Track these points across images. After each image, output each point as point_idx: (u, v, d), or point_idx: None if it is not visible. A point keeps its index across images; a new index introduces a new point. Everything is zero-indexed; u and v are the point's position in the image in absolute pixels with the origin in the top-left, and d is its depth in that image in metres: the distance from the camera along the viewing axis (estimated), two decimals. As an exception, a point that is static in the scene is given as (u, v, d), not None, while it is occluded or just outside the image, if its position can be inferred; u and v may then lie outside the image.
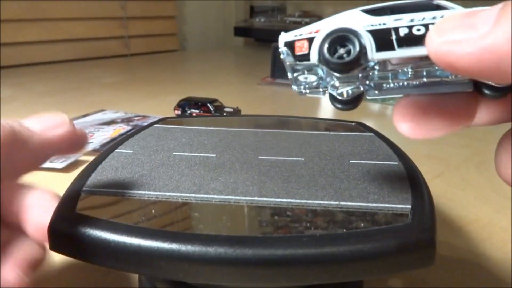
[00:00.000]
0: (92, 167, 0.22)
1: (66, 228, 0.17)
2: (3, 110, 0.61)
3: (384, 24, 0.15)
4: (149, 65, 1.21)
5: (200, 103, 0.59)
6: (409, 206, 0.18)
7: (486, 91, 0.16)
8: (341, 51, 0.15)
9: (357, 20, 0.15)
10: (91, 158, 0.23)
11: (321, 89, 0.17)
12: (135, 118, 0.60)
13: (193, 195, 0.19)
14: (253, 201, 0.19)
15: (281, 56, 0.16)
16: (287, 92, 0.84)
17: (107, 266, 0.17)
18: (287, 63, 0.16)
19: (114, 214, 0.18)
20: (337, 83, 0.17)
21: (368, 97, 0.17)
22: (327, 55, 0.15)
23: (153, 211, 0.19)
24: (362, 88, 0.17)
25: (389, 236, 0.16)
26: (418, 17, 0.15)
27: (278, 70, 0.84)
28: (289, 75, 0.17)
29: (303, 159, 0.23)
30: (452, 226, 0.32)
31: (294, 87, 0.17)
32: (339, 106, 0.18)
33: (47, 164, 0.37)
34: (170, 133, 0.28)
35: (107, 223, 0.17)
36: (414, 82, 0.17)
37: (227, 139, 0.27)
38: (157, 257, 0.16)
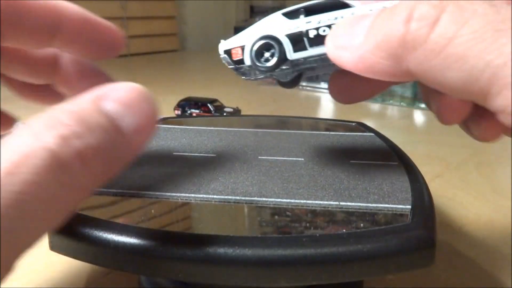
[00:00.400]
0: (92, 167, 0.22)
1: (66, 228, 0.17)
2: (3, 110, 0.61)
3: (297, 27, 0.18)
4: (149, 65, 1.21)
5: (200, 103, 0.59)
6: (409, 206, 0.18)
7: None
8: (267, 54, 0.19)
9: (278, 25, 0.19)
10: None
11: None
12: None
13: (193, 195, 0.19)
14: (253, 201, 0.19)
15: (223, 61, 0.19)
16: (287, 92, 0.84)
17: (107, 267, 0.17)
18: (229, 67, 0.19)
19: (114, 214, 0.18)
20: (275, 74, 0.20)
21: (305, 76, 0.21)
22: (255, 61, 0.19)
23: (153, 211, 0.19)
24: (296, 74, 0.20)
25: (389, 236, 0.16)
26: (324, 19, 0.18)
27: (278, 70, 0.84)
28: (243, 77, 0.20)
29: (303, 159, 0.23)
30: (452, 226, 0.32)
31: (242, 77, 0.20)
32: (284, 85, 0.21)
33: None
34: (170, 133, 0.28)
35: (107, 223, 0.17)
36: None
37: (227, 139, 0.27)
38: (157, 258, 0.16)
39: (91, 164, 0.13)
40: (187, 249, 0.16)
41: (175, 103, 0.60)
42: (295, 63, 0.19)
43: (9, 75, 0.21)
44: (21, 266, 0.25)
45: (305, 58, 0.19)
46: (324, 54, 0.18)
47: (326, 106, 0.74)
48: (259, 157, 0.24)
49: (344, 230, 0.17)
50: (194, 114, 0.59)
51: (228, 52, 0.19)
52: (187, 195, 0.20)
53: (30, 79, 0.20)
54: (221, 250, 0.15)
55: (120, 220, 0.17)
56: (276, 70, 0.19)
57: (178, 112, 0.60)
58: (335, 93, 0.22)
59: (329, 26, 0.18)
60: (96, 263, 0.17)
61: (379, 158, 0.24)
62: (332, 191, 0.20)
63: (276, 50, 0.18)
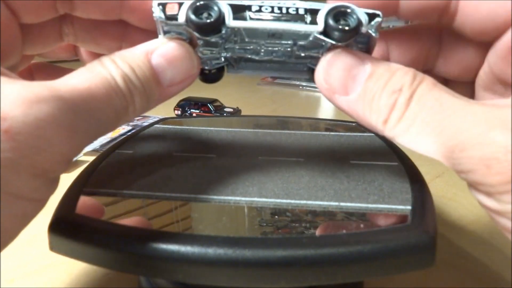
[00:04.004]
0: (92, 167, 0.22)
1: (66, 228, 0.17)
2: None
3: (241, 1, 0.19)
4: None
5: (200, 103, 0.59)
6: (409, 207, 0.18)
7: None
8: (204, 15, 0.18)
9: None
10: (91, 158, 0.23)
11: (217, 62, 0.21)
12: (135, 119, 0.60)
13: (192, 195, 0.19)
14: (253, 202, 0.19)
15: (153, 15, 0.18)
16: (287, 92, 0.84)
17: (107, 267, 0.17)
18: (158, 21, 0.19)
19: (114, 214, 0.18)
20: (204, 51, 0.20)
21: (228, 73, 0.22)
22: (192, 16, 0.18)
23: (153, 211, 0.19)
24: (223, 61, 0.21)
25: (389, 237, 0.16)
26: (268, 1, 0.19)
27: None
28: (160, 36, 0.19)
29: (303, 159, 0.23)
30: (452, 226, 0.32)
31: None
32: (205, 80, 0.22)
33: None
34: (170, 134, 0.28)
35: (107, 223, 0.17)
36: (266, 65, 0.22)
37: (227, 139, 0.27)
38: (156, 258, 0.16)
39: (134, 98, 0.17)
40: (187, 250, 0.16)
41: (175, 103, 0.60)
42: (228, 47, 0.20)
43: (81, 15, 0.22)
44: (21, 266, 0.25)
45: (242, 32, 0.19)
46: (262, 31, 0.19)
47: (326, 106, 0.74)
48: (259, 157, 0.24)
49: (344, 231, 0.17)
50: (194, 114, 0.59)
51: (163, 5, 0.18)
52: (187, 195, 0.20)
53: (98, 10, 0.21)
54: (221, 251, 0.15)
55: (119, 221, 0.17)
56: (209, 37, 0.19)
57: (178, 112, 0.60)
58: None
59: (272, 7, 0.19)
60: (96, 264, 0.17)
61: (379, 158, 0.24)
62: (332, 192, 0.20)
63: (215, 12, 0.18)
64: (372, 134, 0.28)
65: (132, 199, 0.19)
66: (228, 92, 0.82)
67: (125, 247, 0.16)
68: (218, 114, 0.58)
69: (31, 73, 0.24)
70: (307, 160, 0.23)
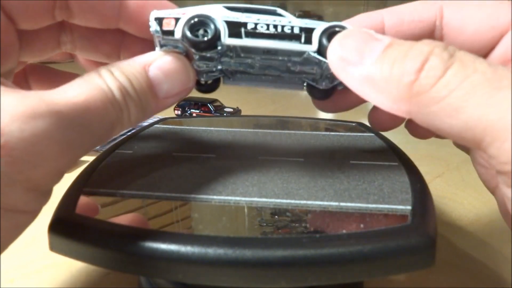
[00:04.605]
0: (92, 167, 0.22)
1: (66, 228, 0.17)
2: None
3: (237, 18, 0.19)
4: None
5: (200, 103, 0.59)
6: (409, 207, 0.18)
7: (314, 94, 0.23)
8: (201, 31, 0.19)
9: (217, 11, 0.19)
10: (91, 158, 0.23)
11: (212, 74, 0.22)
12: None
13: (192, 195, 0.19)
14: (253, 202, 0.19)
15: (150, 29, 0.19)
16: (287, 92, 0.84)
17: (107, 267, 0.17)
18: (155, 36, 0.19)
19: (114, 214, 0.18)
20: (200, 64, 0.20)
21: (224, 84, 0.23)
22: (188, 34, 0.18)
23: (152, 211, 0.19)
24: (219, 73, 0.22)
25: (389, 237, 0.16)
26: (263, 18, 0.19)
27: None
28: (156, 48, 0.20)
29: (303, 159, 0.23)
30: (452, 226, 0.32)
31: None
32: (201, 90, 0.22)
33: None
34: (170, 134, 0.28)
35: (107, 223, 0.17)
36: (262, 77, 0.22)
37: (227, 139, 0.27)
38: (156, 258, 0.16)
39: (130, 109, 0.17)
40: (187, 250, 0.16)
41: (175, 103, 0.60)
42: (224, 61, 0.20)
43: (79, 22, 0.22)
44: (21, 266, 0.25)
45: (237, 48, 0.19)
46: (257, 48, 0.19)
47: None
48: (259, 157, 0.24)
49: (344, 231, 0.17)
50: (194, 114, 0.59)
51: (160, 20, 0.19)
52: (187, 195, 0.19)
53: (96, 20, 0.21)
54: (221, 251, 0.15)
55: (119, 221, 0.17)
56: (205, 53, 0.19)
57: (178, 112, 0.60)
58: (317, 103, 0.24)
59: (267, 25, 0.19)
60: (96, 264, 0.17)
61: (379, 158, 0.24)
62: (332, 192, 0.20)
63: (211, 29, 0.18)
64: (372, 134, 0.28)
65: (132, 199, 0.19)
66: (228, 92, 0.81)
67: (125, 247, 0.16)
68: (218, 114, 0.58)
69: (25, 75, 0.24)
70: (307, 160, 0.23)
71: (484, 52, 0.19)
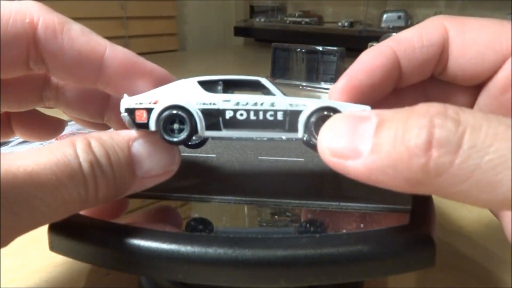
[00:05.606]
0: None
1: (66, 228, 0.17)
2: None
3: (214, 104, 0.17)
4: (149, 65, 1.21)
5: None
6: (409, 207, 0.18)
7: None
8: (175, 126, 0.17)
9: (192, 95, 0.17)
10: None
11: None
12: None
13: (193, 195, 0.19)
14: (253, 202, 0.19)
15: (123, 120, 0.17)
16: (287, 92, 0.83)
17: (107, 267, 0.17)
18: (130, 127, 0.18)
19: (114, 214, 0.18)
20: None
21: (212, 139, 0.23)
22: (162, 132, 0.17)
23: (153, 211, 0.19)
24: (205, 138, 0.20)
25: (389, 237, 0.16)
26: (243, 101, 0.17)
27: (278, 70, 0.84)
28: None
29: (303, 159, 0.23)
30: (452, 226, 0.32)
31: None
32: (189, 147, 0.21)
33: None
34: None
35: (106, 223, 0.17)
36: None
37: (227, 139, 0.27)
38: (156, 258, 0.16)
39: (98, 185, 0.16)
40: (187, 250, 0.16)
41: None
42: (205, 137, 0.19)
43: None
44: (21, 266, 0.25)
45: (217, 138, 0.18)
46: (239, 138, 0.18)
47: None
48: (259, 157, 0.24)
49: (344, 231, 0.17)
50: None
51: (131, 111, 0.17)
52: (187, 195, 0.20)
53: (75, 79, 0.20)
54: (221, 251, 0.15)
55: (119, 220, 0.17)
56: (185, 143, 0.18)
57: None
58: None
59: (248, 111, 0.17)
60: (96, 264, 0.17)
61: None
62: (332, 192, 0.20)
63: (187, 124, 0.17)
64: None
65: (132, 199, 0.19)
66: (228, 92, 0.81)
67: (125, 247, 0.16)
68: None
69: (8, 118, 0.23)
70: (307, 160, 0.23)
71: (488, 74, 0.19)
